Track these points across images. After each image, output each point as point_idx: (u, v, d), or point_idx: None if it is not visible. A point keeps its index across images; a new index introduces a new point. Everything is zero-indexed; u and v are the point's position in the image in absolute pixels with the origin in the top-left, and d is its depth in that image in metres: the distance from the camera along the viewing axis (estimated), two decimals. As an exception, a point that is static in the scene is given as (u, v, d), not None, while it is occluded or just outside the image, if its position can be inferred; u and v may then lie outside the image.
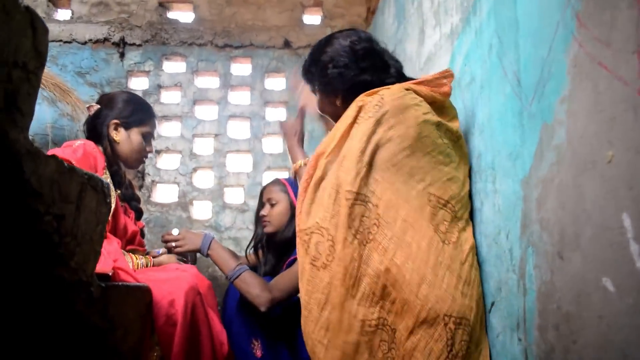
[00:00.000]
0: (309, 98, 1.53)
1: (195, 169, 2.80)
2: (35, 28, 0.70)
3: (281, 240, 1.85)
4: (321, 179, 1.19)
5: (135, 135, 1.78)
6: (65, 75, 2.75)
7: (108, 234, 1.51)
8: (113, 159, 1.77)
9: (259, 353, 1.64)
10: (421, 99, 1.25)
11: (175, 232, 1.79)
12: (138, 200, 1.92)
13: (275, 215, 1.86)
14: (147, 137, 1.83)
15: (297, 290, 1.56)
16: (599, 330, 0.74)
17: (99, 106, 1.81)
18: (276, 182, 1.95)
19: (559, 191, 0.85)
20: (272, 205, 1.87)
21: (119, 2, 2.93)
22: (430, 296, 1.06)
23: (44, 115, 2.20)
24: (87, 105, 1.90)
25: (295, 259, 1.65)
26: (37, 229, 0.73)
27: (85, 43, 2.86)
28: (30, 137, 0.71)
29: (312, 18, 3.04)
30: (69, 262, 0.83)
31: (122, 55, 2.86)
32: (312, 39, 2.86)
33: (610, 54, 0.72)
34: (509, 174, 1.05)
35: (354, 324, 1.09)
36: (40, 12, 2.81)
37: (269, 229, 1.86)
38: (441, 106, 1.30)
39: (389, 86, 1.26)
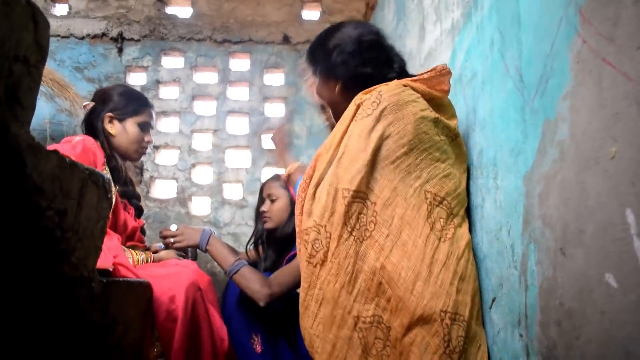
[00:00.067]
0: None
1: (194, 165, 2.80)
2: (37, 22, 0.69)
3: (281, 236, 1.85)
4: (321, 178, 1.19)
5: (130, 126, 1.77)
6: (63, 70, 2.74)
7: (108, 229, 1.51)
8: (112, 154, 1.77)
9: (258, 348, 1.65)
10: (418, 95, 1.25)
11: (173, 228, 1.79)
12: (139, 198, 1.91)
13: (276, 211, 1.86)
14: (144, 126, 1.81)
15: (296, 286, 1.57)
16: (602, 326, 0.74)
17: (94, 103, 1.81)
18: (276, 178, 1.95)
19: (561, 187, 0.84)
20: (273, 201, 1.87)
21: (117, -4, 2.91)
22: (425, 293, 1.07)
23: (42, 111, 2.19)
24: (84, 104, 1.89)
25: (295, 255, 1.66)
26: (39, 225, 0.73)
27: (83, 38, 2.84)
28: (31, 132, 0.70)
29: (311, 13, 3.04)
30: (70, 257, 0.82)
31: (120, 50, 2.85)
32: (311, 35, 2.85)
33: (614, 50, 0.72)
34: (511, 170, 1.05)
35: (347, 320, 1.10)
36: (37, 7, 2.80)
37: (269, 225, 1.86)
38: (439, 104, 1.29)
39: (387, 83, 1.25)
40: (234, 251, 1.83)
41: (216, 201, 2.75)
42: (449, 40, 1.48)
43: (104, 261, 1.20)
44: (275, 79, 2.96)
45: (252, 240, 1.97)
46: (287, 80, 2.91)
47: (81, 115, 2.07)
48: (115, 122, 1.76)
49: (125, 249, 1.63)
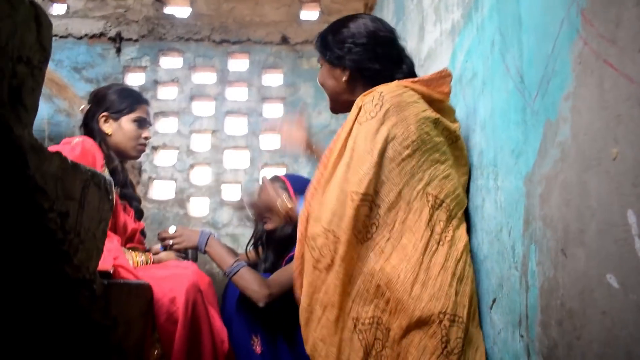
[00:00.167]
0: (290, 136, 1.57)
1: (192, 166, 2.79)
2: (40, 22, 0.69)
3: (281, 237, 1.85)
4: (327, 181, 1.19)
5: (126, 123, 1.77)
6: (62, 70, 2.73)
7: (108, 231, 1.51)
8: (110, 155, 1.76)
9: (258, 349, 1.64)
10: (419, 96, 1.25)
11: (172, 229, 1.78)
12: (139, 200, 1.90)
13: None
14: (140, 122, 1.80)
15: (295, 286, 1.57)
16: (603, 326, 0.74)
17: (90, 105, 1.81)
18: (275, 179, 1.95)
19: (563, 188, 0.85)
20: (271, 202, 1.87)
21: (115, -4, 2.91)
22: (423, 295, 1.08)
23: (40, 111, 2.17)
24: (80, 108, 1.89)
25: (294, 256, 1.66)
26: (42, 226, 0.73)
27: (81, 38, 2.84)
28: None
29: (310, 14, 3.04)
30: (72, 259, 0.82)
31: (118, 50, 2.84)
32: (309, 35, 2.85)
33: (615, 52, 0.72)
34: (512, 171, 1.05)
35: (347, 321, 1.10)
36: (35, 7, 2.79)
37: (269, 226, 1.86)
38: (440, 107, 1.29)
39: (387, 83, 1.26)
40: (233, 252, 1.83)
41: (214, 202, 2.74)
42: (449, 41, 1.48)
43: (104, 263, 1.19)
44: (273, 79, 2.96)
45: (252, 242, 1.97)
46: (286, 80, 2.91)
47: (79, 116, 2.06)
48: (111, 121, 1.76)
49: (125, 250, 1.63)
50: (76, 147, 1.57)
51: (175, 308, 1.39)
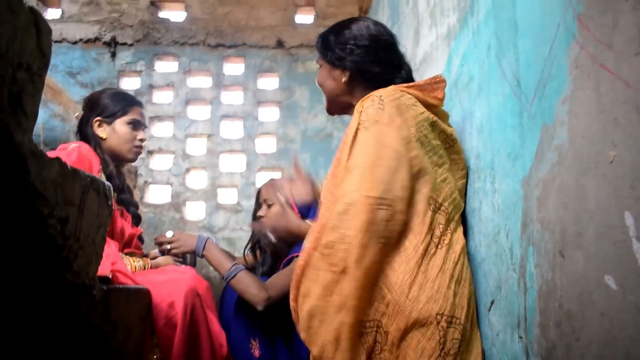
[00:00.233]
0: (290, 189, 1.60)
1: (188, 170, 2.79)
2: (40, 28, 0.69)
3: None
4: (335, 186, 1.18)
5: (120, 126, 1.76)
6: (56, 75, 2.72)
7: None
8: (105, 159, 1.75)
9: (257, 353, 1.64)
10: (415, 99, 1.26)
11: (169, 234, 1.78)
12: (136, 205, 1.90)
13: (273, 215, 1.85)
14: (135, 124, 1.79)
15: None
16: (602, 328, 0.75)
17: (84, 112, 1.80)
18: (272, 182, 1.95)
19: (560, 191, 0.86)
20: (269, 206, 1.87)
21: (110, 1, 2.90)
22: (421, 297, 1.08)
23: (36, 116, 2.17)
24: (75, 115, 1.88)
25: (292, 258, 1.66)
26: (42, 232, 0.73)
27: (76, 43, 2.83)
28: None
29: (305, 18, 3.05)
30: (72, 264, 0.82)
31: (113, 55, 2.84)
32: (304, 39, 2.86)
33: (612, 56, 0.73)
34: (509, 174, 1.06)
35: (355, 325, 1.10)
36: (29, 11, 2.78)
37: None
38: (434, 112, 1.30)
39: (384, 88, 1.26)
40: (230, 256, 1.83)
41: (211, 206, 2.74)
42: (444, 45, 1.49)
43: (102, 268, 1.18)
44: (269, 83, 2.97)
45: (249, 245, 1.97)
46: (281, 84, 2.91)
47: (74, 121, 2.06)
48: (105, 125, 1.76)
49: (123, 255, 1.63)
50: (72, 153, 1.57)
51: (174, 313, 1.39)
